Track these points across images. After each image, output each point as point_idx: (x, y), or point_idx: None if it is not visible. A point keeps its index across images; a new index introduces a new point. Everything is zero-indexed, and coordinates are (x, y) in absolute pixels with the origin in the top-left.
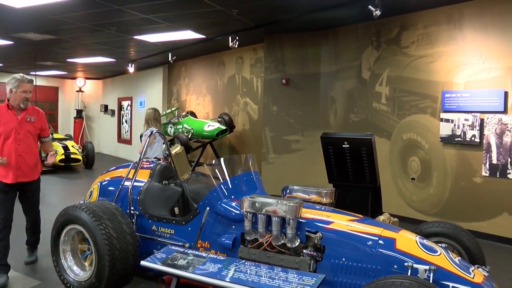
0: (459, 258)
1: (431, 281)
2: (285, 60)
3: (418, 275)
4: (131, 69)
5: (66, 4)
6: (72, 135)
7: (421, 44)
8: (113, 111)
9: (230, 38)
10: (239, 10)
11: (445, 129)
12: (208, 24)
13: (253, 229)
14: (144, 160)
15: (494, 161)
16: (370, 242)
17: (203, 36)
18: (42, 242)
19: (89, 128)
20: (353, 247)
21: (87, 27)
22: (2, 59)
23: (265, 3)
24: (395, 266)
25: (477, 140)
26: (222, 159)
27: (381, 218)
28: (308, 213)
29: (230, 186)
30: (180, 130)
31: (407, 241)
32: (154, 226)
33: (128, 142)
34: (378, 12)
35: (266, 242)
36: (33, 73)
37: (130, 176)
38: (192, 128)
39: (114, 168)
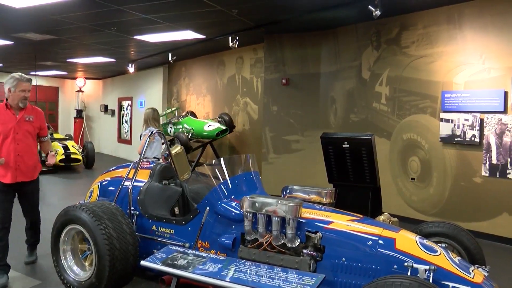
0: (459, 258)
1: (431, 281)
2: (285, 60)
3: (418, 275)
4: (131, 69)
5: (66, 4)
6: (72, 135)
7: (421, 44)
8: (113, 111)
9: (230, 38)
10: (239, 10)
11: (445, 129)
12: (208, 24)
13: (253, 229)
14: (144, 160)
15: (494, 161)
16: (370, 242)
17: (203, 36)
18: (42, 242)
19: (89, 128)
20: (353, 247)
21: (87, 27)
22: (2, 59)
23: (265, 3)
24: (395, 266)
25: (477, 140)
26: (222, 159)
27: (381, 218)
28: (308, 213)
29: (230, 186)
30: (180, 130)
31: (407, 241)
32: (154, 226)
33: (128, 142)
34: (378, 12)
35: (266, 242)
36: (33, 73)
37: (130, 176)
38: (192, 128)
39: (114, 168)
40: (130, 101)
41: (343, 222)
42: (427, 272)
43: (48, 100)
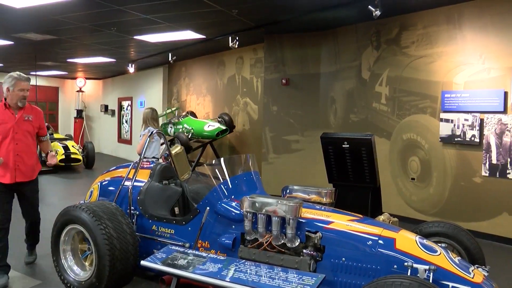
0: (459, 258)
1: (431, 281)
2: (285, 60)
3: (418, 275)
4: (131, 69)
5: (67, 4)
6: (73, 135)
7: (421, 44)
8: (113, 111)
9: (230, 38)
10: (239, 10)
11: (445, 129)
12: (208, 24)
13: (253, 229)
14: (144, 160)
15: (494, 161)
16: (370, 242)
17: (203, 36)
18: (42, 242)
19: (89, 128)
20: (353, 247)
21: (87, 27)
22: (3, 59)
23: (265, 3)
24: (395, 266)
25: (477, 140)
26: (222, 159)
27: (381, 218)
28: (308, 213)
29: (230, 186)
30: (180, 130)
31: (407, 241)
32: (154, 226)
33: (128, 142)
34: (378, 12)
35: (266, 242)
36: (34, 73)
37: (130, 176)
38: (192, 128)
39: (114, 168)
40: (130, 101)
41: (343, 222)
42: (427, 272)
43: (48, 100)
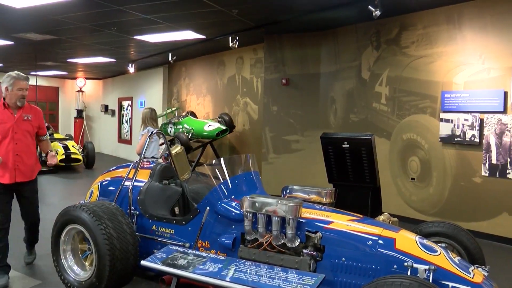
0: (459, 258)
1: (430, 281)
2: (285, 60)
3: (418, 274)
4: (131, 69)
5: (67, 4)
6: (73, 135)
7: (420, 44)
8: (113, 111)
9: (230, 38)
10: (239, 11)
11: (444, 129)
12: (208, 24)
13: (253, 229)
14: (144, 160)
15: (494, 161)
16: (370, 242)
17: (203, 36)
18: (42, 242)
19: (89, 128)
20: (353, 247)
21: (87, 27)
22: (3, 59)
23: (265, 4)
24: (395, 266)
25: (477, 140)
26: (222, 159)
27: (381, 218)
28: (308, 213)
29: (230, 186)
30: (180, 130)
31: (407, 241)
32: (154, 226)
33: (128, 142)
34: (378, 12)
35: (266, 242)
36: (34, 73)
37: (131, 176)
38: (192, 128)
39: (114, 168)
40: (130, 101)
41: (343, 222)
42: (427, 272)
43: (48, 100)
